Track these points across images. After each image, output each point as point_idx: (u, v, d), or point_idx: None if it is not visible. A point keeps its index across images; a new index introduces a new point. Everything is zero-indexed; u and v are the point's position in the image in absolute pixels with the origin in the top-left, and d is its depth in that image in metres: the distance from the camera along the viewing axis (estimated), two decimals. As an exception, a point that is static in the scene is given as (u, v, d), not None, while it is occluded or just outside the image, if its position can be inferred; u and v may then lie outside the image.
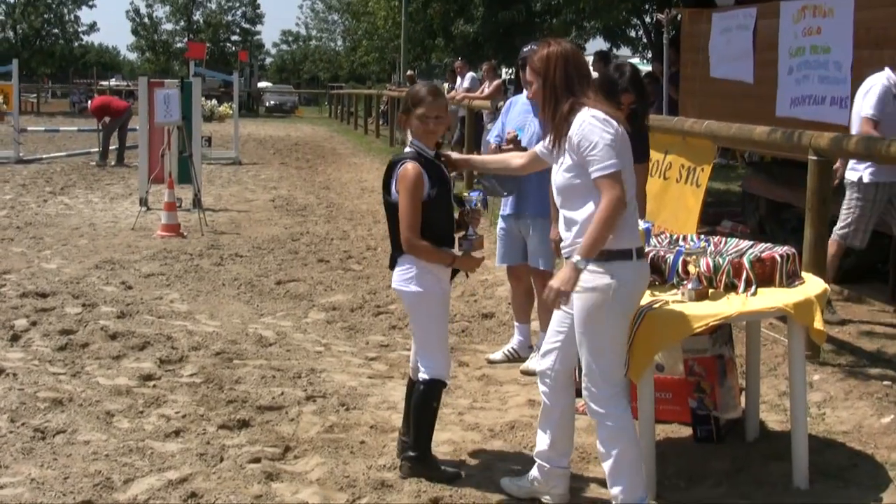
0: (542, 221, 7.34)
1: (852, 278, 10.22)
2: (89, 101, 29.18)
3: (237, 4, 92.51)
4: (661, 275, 5.63)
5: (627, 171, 4.94)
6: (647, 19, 27.71)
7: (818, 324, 5.39)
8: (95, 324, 8.67)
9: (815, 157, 7.67)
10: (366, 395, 7.11)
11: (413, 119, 5.62)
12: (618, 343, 5.01)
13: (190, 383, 7.28)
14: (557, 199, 5.10)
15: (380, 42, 51.27)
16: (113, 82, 74.26)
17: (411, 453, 5.71)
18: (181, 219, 14.09)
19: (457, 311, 9.33)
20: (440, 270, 5.62)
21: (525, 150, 7.17)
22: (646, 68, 22.22)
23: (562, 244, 5.12)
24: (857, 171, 8.72)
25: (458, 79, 23.78)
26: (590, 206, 4.86)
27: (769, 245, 5.90)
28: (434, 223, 5.58)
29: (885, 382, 7.21)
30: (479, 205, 5.74)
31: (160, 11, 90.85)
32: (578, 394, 5.27)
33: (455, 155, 5.91)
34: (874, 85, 8.78)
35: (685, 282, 5.44)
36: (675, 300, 5.30)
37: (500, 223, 7.90)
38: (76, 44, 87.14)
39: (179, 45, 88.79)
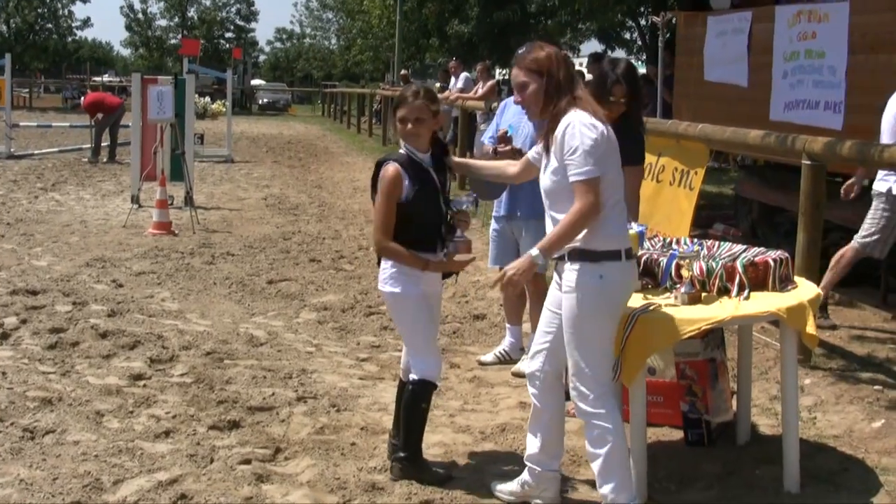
0: (534, 223, 7.31)
1: (843, 282, 10.20)
2: (82, 98, 29.14)
3: (231, 1, 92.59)
4: (655, 278, 5.62)
5: (613, 174, 4.97)
6: (643, 22, 27.71)
7: (811, 328, 5.38)
8: (86, 322, 8.64)
9: (808, 162, 7.66)
10: (357, 396, 7.09)
11: (396, 120, 5.63)
12: (606, 343, 5.02)
13: (180, 383, 7.25)
14: (545, 201, 5.12)
15: (374, 41, 51.19)
16: (106, 78, 74.05)
17: (402, 454, 5.70)
18: (173, 217, 14.08)
19: (448, 312, 9.32)
20: (421, 272, 5.59)
21: (518, 150, 7.18)
22: (640, 71, 22.20)
23: None
24: (887, 183, 8.65)
25: (453, 79, 23.76)
26: None
27: (762, 249, 5.89)
28: (413, 224, 5.56)
29: (876, 387, 7.22)
30: (468, 207, 5.69)
31: (154, 7, 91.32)
32: (568, 396, 5.25)
33: (455, 159, 5.89)
34: None
35: (678, 285, 5.43)
36: (667, 304, 5.29)
37: (493, 224, 7.88)
38: (69, 39, 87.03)
39: (173, 41, 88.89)
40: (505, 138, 7.31)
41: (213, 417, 6.55)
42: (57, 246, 12.47)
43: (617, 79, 6.79)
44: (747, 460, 5.96)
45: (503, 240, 7.77)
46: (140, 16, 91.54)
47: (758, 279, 5.52)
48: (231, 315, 9.26)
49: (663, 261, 5.62)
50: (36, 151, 25.41)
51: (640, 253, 5.66)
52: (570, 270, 4.96)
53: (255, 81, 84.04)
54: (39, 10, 79.77)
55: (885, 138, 8.53)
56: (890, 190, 8.65)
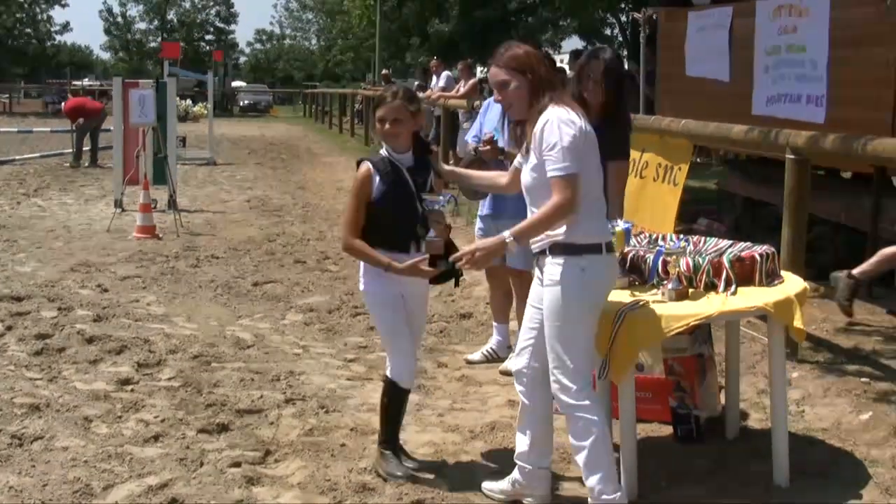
0: (520, 222, 7.31)
1: (828, 276, 10.24)
2: (63, 103, 29.05)
3: (211, 3, 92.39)
4: (641, 275, 5.63)
5: (592, 169, 5.02)
6: (623, 18, 27.76)
7: (798, 322, 5.40)
8: (72, 328, 8.62)
9: (792, 156, 7.68)
10: (345, 397, 7.08)
11: (375, 120, 5.65)
12: (587, 336, 5.04)
13: (168, 387, 7.24)
14: (527, 197, 5.15)
15: (355, 41, 51.27)
16: (86, 82, 73.85)
17: (375, 447, 5.80)
18: (157, 220, 14.03)
19: (435, 311, 9.31)
20: (393, 272, 5.58)
21: (502, 149, 7.19)
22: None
23: (532, 240, 5.14)
24: None
25: (434, 77, 23.75)
26: None
27: (749, 244, 5.90)
28: (383, 224, 5.56)
29: (863, 379, 7.25)
30: (441, 207, 5.58)
31: (133, 10, 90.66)
32: None
33: (446, 167, 5.87)
34: None
35: (665, 282, 5.44)
36: (655, 300, 5.30)
37: (478, 223, 7.88)
38: (49, 43, 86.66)
39: (153, 44, 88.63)
40: (491, 142, 7.32)
41: (201, 421, 6.53)
42: (41, 251, 12.42)
43: (594, 55, 6.85)
44: (737, 455, 5.98)
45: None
46: (119, 19, 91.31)
47: (744, 274, 5.53)
48: (217, 318, 9.24)
49: (650, 257, 5.63)
50: (17, 157, 25.29)
51: (626, 250, 5.67)
52: (552, 264, 5.00)
53: (236, 83, 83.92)
54: (18, 16, 79.40)
55: None
56: None
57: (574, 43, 65.53)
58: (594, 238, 4.98)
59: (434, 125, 22.27)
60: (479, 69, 34.51)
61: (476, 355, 8.09)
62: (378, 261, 5.55)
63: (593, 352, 5.11)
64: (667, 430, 6.34)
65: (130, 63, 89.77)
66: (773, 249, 5.79)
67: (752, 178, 12.59)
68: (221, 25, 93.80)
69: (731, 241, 6.01)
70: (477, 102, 17.60)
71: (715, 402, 6.36)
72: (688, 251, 5.82)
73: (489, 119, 7.75)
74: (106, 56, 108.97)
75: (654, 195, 9.37)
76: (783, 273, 5.86)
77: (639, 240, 6.11)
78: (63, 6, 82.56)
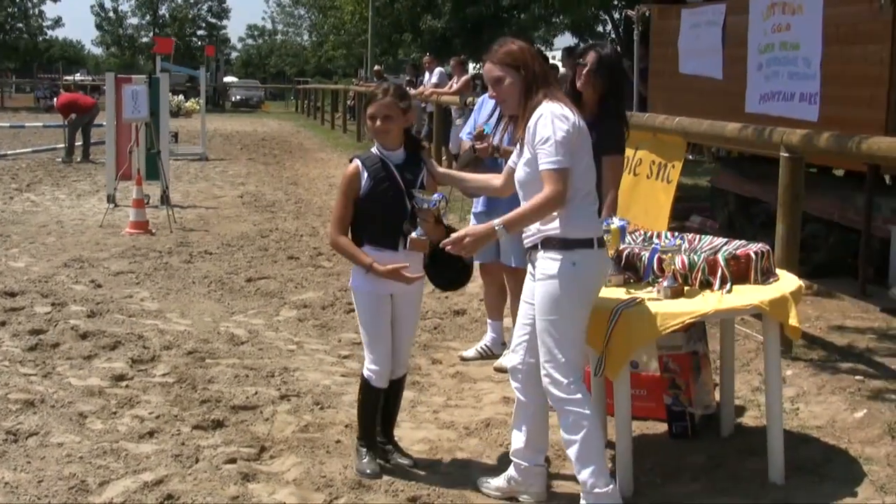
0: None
1: (822, 273, 10.28)
2: (55, 99, 28.99)
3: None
4: (637, 272, 5.64)
5: (585, 164, 5.06)
6: (616, 15, 27.77)
7: (793, 320, 5.40)
8: (66, 323, 8.61)
9: (786, 154, 7.69)
10: (340, 393, 7.08)
11: (367, 118, 5.65)
12: (578, 330, 5.07)
13: (163, 383, 7.23)
14: (519, 192, 5.18)
15: (347, 37, 51.14)
16: (78, 77, 73.66)
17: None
18: (149, 216, 14.03)
19: (428, 307, 9.32)
20: (374, 273, 5.57)
21: (497, 147, 7.20)
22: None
23: (524, 234, 5.19)
24: None
25: (427, 74, 23.75)
26: None
27: (743, 242, 5.91)
28: (370, 220, 5.58)
29: (857, 377, 7.26)
30: (430, 205, 5.50)
31: (125, 6, 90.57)
32: None
33: (440, 170, 5.87)
34: None
35: (660, 279, 5.45)
36: (650, 298, 5.31)
37: (472, 220, 7.87)
38: (40, 38, 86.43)
39: (145, 39, 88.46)
40: (482, 136, 7.32)
41: (196, 417, 6.53)
42: (34, 247, 12.41)
43: (593, 47, 6.88)
44: (732, 452, 5.99)
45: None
46: (111, 14, 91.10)
47: (740, 272, 5.54)
48: (211, 314, 9.23)
49: (645, 255, 5.64)
50: (9, 152, 25.21)
51: (621, 247, 5.68)
52: (543, 259, 5.03)
53: (228, 78, 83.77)
54: (10, 10, 79.19)
55: None
56: None
57: (566, 40, 65.58)
58: (586, 233, 5.02)
59: (427, 121, 22.27)
60: (471, 66, 34.57)
61: (470, 352, 8.10)
62: (361, 260, 5.56)
63: (584, 346, 5.13)
64: (661, 427, 6.35)
65: (122, 58, 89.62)
66: (767, 247, 5.80)
67: (745, 176, 12.61)
68: (213, 21, 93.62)
69: (725, 239, 6.02)
70: (470, 99, 17.62)
71: (710, 400, 6.37)
72: (683, 249, 5.83)
73: (483, 116, 7.75)
74: (98, 51, 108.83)
75: (647, 192, 9.38)
76: (778, 271, 5.87)
77: (634, 237, 6.12)
78: (55, 1, 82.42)
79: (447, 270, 5.74)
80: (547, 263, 5.01)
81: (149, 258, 11.69)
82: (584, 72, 6.74)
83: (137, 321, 8.85)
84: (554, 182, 4.86)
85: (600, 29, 34.40)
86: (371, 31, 40.45)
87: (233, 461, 5.81)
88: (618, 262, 5.62)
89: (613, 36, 29.89)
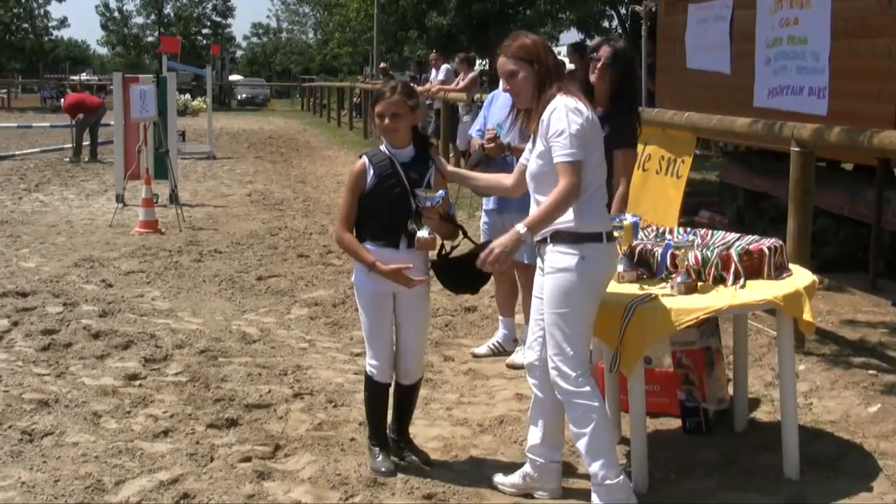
0: (526, 216, 7.32)
1: (832, 268, 10.28)
2: (62, 99, 29.01)
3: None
4: (650, 268, 5.64)
5: (596, 158, 5.08)
6: (623, 11, 27.75)
7: (807, 315, 5.41)
8: (77, 323, 8.63)
9: (797, 149, 7.69)
10: (353, 391, 7.08)
11: (374, 116, 5.65)
12: (587, 324, 5.09)
13: (176, 382, 7.25)
14: (530, 185, 5.19)
15: (352, 34, 51.11)
16: (83, 77, 73.71)
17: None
18: (158, 215, 14.05)
19: (439, 304, 9.32)
20: (375, 272, 5.58)
21: (507, 145, 7.21)
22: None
23: None
24: None
25: (433, 71, 23.74)
26: None
27: (756, 237, 5.91)
28: (373, 217, 5.58)
29: (870, 371, 7.25)
30: (432, 202, 5.47)
31: (130, 5, 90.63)
32: None
33: (450, 168, 5.86)
34: None
35: (674, 275, 5.45)
36: (664, 294, 5.31)
37: (483, 217, 7.90)
38: (46, 38, 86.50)
39: (150, 38, 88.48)
40: (494, 140, 7.34)
41: (210, 416, 6.55)
42: (44, 247, 12.43)
43: (603, 42, 6.89)
44: (746, 447, 6.00)
45: (495, 232, 7.73)
46: (116, 14, 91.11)
47: (753, 267, 5.55)
48: (222, 312, 9.25)
49: (658, 251, 5.64)
50: (17, 152, 25.25)
51: (634, 243, 5.68)
52: (553, 252, 5.05)
53: (233, 77, 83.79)
54: (15, 11, 79.26)
55: None
56: None
57: (572, 36, 65.44)
58: (595, 227, 5.04)
59: (433, 118, 22.25)
60: (477, 62, 34.59)
61: (482, 349, 8.11)
62: (364, 258, 5.56)
63: (591, 339, 5.15)
64: (675, 423, 6.35)
65: (128, 58, 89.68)
66: (780, 242, 5.80)
67: (754, 171, 12.60)
68: (218, 19, 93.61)
69: (738, 235, 6.02)
70: (477, 96, 17.61)
71: (723, 395, 6.37)
72: (696, 245, 5.83)
73: (493, 113, 7.76)
74: (103, 51, 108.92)
75: (656, 188, 9.37)
76: (791, 266, 5.87)
77: (646, 233, 6.12)
78: (60, 1, 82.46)
79: (455, 273, 5.72)
80: (556, 257, 5.03)
81: (159, 257, 11.71)
82: (599, 66, 6.73)
83: (149, 320, 8.87)
84: (569, 175, 4.88)
85: (606, 25, 34.37)
86: (377, 29, 40.43)
87: (248, 460, 5.82)
88: (630, 258, 5.63)
89: (620, 31, 29.87)
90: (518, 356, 7.64)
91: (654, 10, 15.29)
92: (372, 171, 5.55)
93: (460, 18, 33.53)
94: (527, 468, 5.41)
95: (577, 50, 17.41)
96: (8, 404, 6.67)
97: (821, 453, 5.86)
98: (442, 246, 5.70)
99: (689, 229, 6.25)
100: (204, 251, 12.12)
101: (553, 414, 5.32)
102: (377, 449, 5.79)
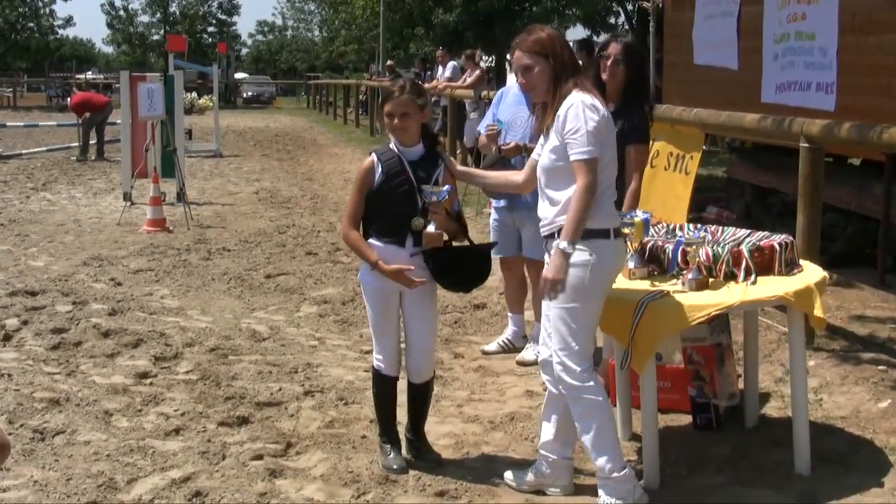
0: (537, 212, 7.33)
1: (840, 263, 10.27)
2: (69, 98, 29.04)
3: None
4: (661, 265, 5.65)
5: (609, 156, 5.09)
6: (630, 7, 27.72)
7: (818, 311, 5.41)
8: (87, 322, 8.65)
9: (806, 145, 7.68)
10: (363, 388, 7.08)
11: (384, 115, 5.66)
12: (593, 320, 5.13)
13: (186, 380, 7.27)
14: (541, 178, 5.19)
15: (358, 32, 51.14)
16: (89, 75, 73.80)
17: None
18: (166, 213, 14.06)
19: (448, 302, 9.32)
20: (378, 271, 5.58)
21: (522, 146, 7.20)
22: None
23: (541, 223, 5.22)
24: None
25: (440, 68, 23.75)
26: (572, 187, 4.99)
27: (767, 233, 5.92)
28: (379, 214, 5.60)
29: (880, 367, 7.25)
30: (438, 197, 5.48)
31: (135, 3, 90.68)
32: None
33: (459, 167, 5.86)
34: None
35: (685, 272, 5.45)
36: (675, 290, 5.32)
37: (493, 214, 7.89)
38: (52, 37, 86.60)
39: (155, 37, 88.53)
40: (493, 134, 7.36)
41: (221, 414, 6.56)
42: (52, 245, 12.45)
43: (612, 39, 6.89)
44: (756, 443, 6.00)
45: (505, 229, 7.77)
46: (121, 12, 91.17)
47: (764, 263, 5.55)
48: (232, 310, 9.27)
49: (669, 247, 5.65)
50: (24, 151, 25.28)
51: (645, 240, 5.69)
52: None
53: (239, 75, 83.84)
54: (21, 10, 79.39)
55: None
56: None
57: (578, 32, 65.45)
58: (603, 223, 5.04)
59: (440, 116, 22.26)
60: (483, 59, 34.60)
61: (492, 346, 8.11)
62: (367, 256, 5.58)
63: (602, 336, 5.17)
64: (686, 419, 6.36)
65: (133, 56, 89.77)
66: (791, 238, 5.80)
67: (762, 166, 12.59)
68: (224, 17, 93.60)
69: (748, 231, 6.02)
70: (484, 93, 17.62)
71: (733, 391, 6.37)
72: (706, 241, 5.83)
73: (502, 110, 7.76)
74: (109, 49, 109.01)
75: (665, 184, 9.37)
76: (802, 262, 5.87)
77: (657, 230, 6.12)
78: (65, 0, 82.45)
79: (451, 270, 5.72)
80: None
81: (167, 256, 11.73)
82: (609, 63, 6.73)
83: (159, 319, 8.88)
84: (586, 172, 4.89)
85: (613, 21, 34.36)
86: (382, 26, 40.45)
87: (259, 457, 5.84)
88: (641, 254, 5.63)
89: (627, 28, 29.85)
90: (528, 353, 7.65)
91: (661, 6, 15.27)
92: (380, 169, 5.56)
93: (466, 15, 33.52)
94: (539, 464, 5.42)
95: (583, 47, 17.40)
96: (19, 403, 6.69)
97: (831, 449, 5.86)
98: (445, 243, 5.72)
99: (699, 226, 6.26)
100: (212, 249, 12.13)
101: (567, 410, 5.31)
102: (388, 446, 5.80)
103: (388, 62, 36.64)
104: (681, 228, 6.16)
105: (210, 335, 8.36)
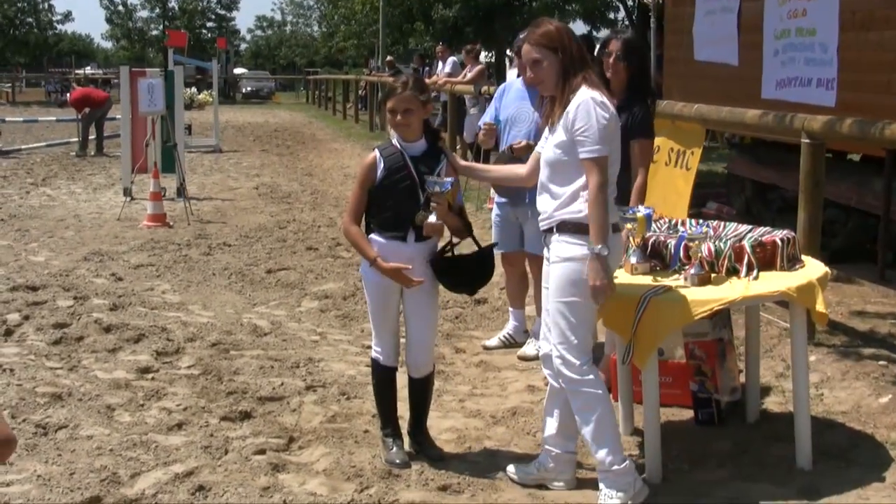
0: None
1: (840, 259, 10.27)
2: (68, 95, 29.03)
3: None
4: (663, 260, 5.66)
5: (615, 152, 5.09)
6: (630, 2, 27.72)
7: (820, 306, 5.43)
8: (89, 316, 8.65)
9: (808, 140, 7.69)
10: (365, 383, 7.07)
11: (386, 111, 5.67)
12: (591, 314, 5.15)
13: (188, 375, 7.28)
14: (545, 171, 5.18)
15: (357, 27, 51.11)
16: (88, 70, 73.75)
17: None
18: (166, 208, 14.06)
19: (449, 297, 9.29)
20: (376, 268, 5.60)
21: (532, 145, 7.20)
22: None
23: (540, 217, 5.23)
24: None
25: (440, 63, 23.75)
26: (576, 184, 5.01)
27: (768, 229, 5.93)
28: (380, 208, 5.61)
29: (881, 362, 7.26)
30: (442, 188, 5.47)
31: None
32: None
33: (461, 162, 5.87)
34: None
35: (687, 267, 5.46)
36: (677, 285, 5.33)
37: (496, 210, 7.90)
38: (50, 32, 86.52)
39: (154, 32, 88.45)
40: (490, 131, 7.39)
41: (223, 409, 6.57)
42: (53, 241, 12.46)
43: (613, 37, 6.90)
44: (758, 438, 6.01)
45: (507, 224, 7.78)
46: (120, 7, 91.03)
47: (766, 259, 5.56)
48: (233, 305, 9.28)
49: (671, 243, 5.65)
50: (23, 146, 25.27)
51: (647, 235, 5.70)
52: (559, 242, 5.07)
53: (238, 70, 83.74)
54: (19, 5, 79.34)
55: None
56: None
57: (578, 28, 65.43)
58: None
59: (440, 111, 22.26)
60: (483, 54, 34.57)
61: (493, 341, 8.12)
62: (366, 253, 5.61)
63: (598, 330, 5.18)
64: (687, 414, 6.37)
65: (132, 51, 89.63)
66: (793, 234, 5.82)
67: (762, 162, 12.60)
68: (223, 12, 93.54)
69: (750, 227, 6.03)
70: (484, 88, 17.62)
71: (735, 386, 6.39)
72: (708, 236, 5.84)
73: (505, 104, 7.77)
74: (107, 45, 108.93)
75: (666, 180, 9.40)
76: (803, 257, 5.88)
77: (658, 225, 6.13)
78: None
79: (455, 273, 5.74)
80: (562, 247, 5.06)
81: (168, 251, 11.74)
82: (611, 60, 6.74)
83: (160, 314, 8.89)
84: (597, 171, 4.91)
85: (613, 16, 34.34)
86: (382, 21, 40.42)
87: (262, 452, 5.85)
88: (644, 250, 5.64)
89: (627, 23, 29.85)
90: (529, 348, 7.67)
91: (661, 1, 15.26)
92: (382, 164, 5.58)
93: (466, 10, 33.50)
94: (542, 459, 5.44)
95: (583, 42, 17.34)
96: (21, 398, 6.70)
97: (832, 444, 5.88)
98: (447, 243, 5.73)
99: (701, 221, 6.26)
100: (213, 244, 12.14)
101: (569, 404, 5.33)
102: (391, 440, 5.81)
103: (388, 57, 36.60)
104: (683, 224, 6.17)
105: (211, 330, 8.37)
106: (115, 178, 18.59)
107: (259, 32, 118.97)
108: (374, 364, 5.87)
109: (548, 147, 5.15)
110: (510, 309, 8.26)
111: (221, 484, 5.43)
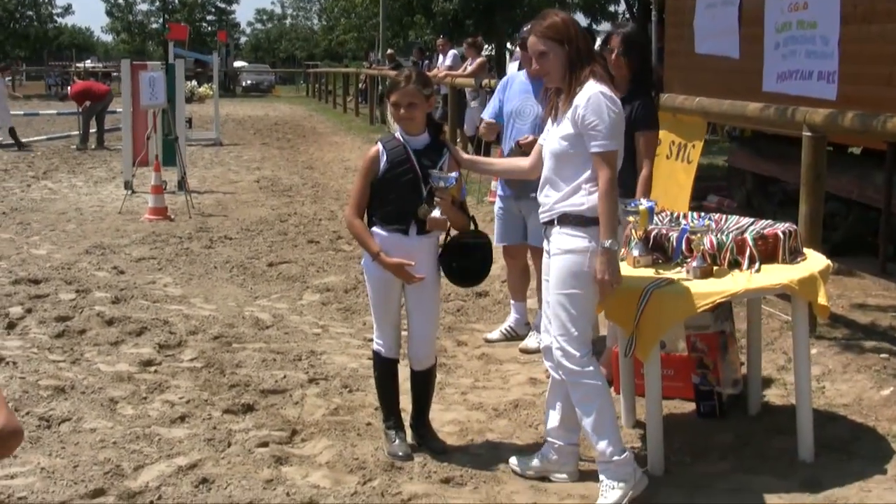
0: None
1: (842, 252, 10.29)
2: (69, 87, 29.01)
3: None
4: (665, 253, 5.66)
5: (621, 146, 5.11)
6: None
7: (822, 299, 5.44)
8: (91, 310, 8.66)
9: (809, 133, 7.69)
10: (367, 376, 7.08)
11: (390, 105, 5.68)
12: (591, 306, 5.16)
13: (191, 368, 7.29)
14: (548, 162, 5.18)
15: (358, 20, 51.11)
16: (88, 64, 73.67)
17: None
18: (167, 202, 14.06)
19: (451, 290, 9.29)
20: (378, 263, 5.62)
21: (530, 139, 7.21)
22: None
23: (541, 209, 5.24)
24: None
25: (441, 56, 23.73)
26: (580, 176, 5.01)
27: (770, 222, 5.94)
28: (383, 202, 5.63)
29: (882, 355, 7.28)
30: (446, 183, 5.48)
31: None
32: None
33: (464, 156, 5.88)
34: None
35: (689, 260, 5.47)
36: (680, 278, 5.33)
37: (499, 203, 7.91)
38: (51, 26, 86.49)
39: (154, 25, 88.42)
40: (491, 128, 7.40)
41: (226, 401, 6.58)
42: (54, 234, 12.47)
43: (616, 29, 6.91)
44: (760, 431, 6.03)
45: (510, 217, 7.79)
46: (121, 1, 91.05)
47: (768, 252, 5.57)
48: (235, 298, 9.29)
49: (673, 236, 5.66)
50: (24, 140, 25.23)
51: (649, 228, 5.71)
52: (559, 234, 5.08)
53: (238, 63, 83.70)
54: (20, -2, 79.50)
55: None
56: None
57: (579, 20, 65.41)
58: None
59: (441, 104, 22.22)
60: (484, 47, 34.54)
61: (495, 334, 8.14)
62: (369, 247, 5.62)
63: (600, 322, 5.19)
64: (689, 406, 6.39)
65: (132, 44, 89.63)
66: (795, 227, 5.82)
67: (762, 155, 12.61)
68: (223, 6, 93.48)
69: (752, 219, 6.04)
70: (485, 81, 17.61)
71: (737, 379, 6.40)
72: (711, 229, 5.84)
73: (508, 97, 7.77)
74: (108, 38, 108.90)
75: (667, 173, 9.39)
76: (805, 250, 5.89)
77: (660, 218, 6.13)
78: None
79: (461, 262, 5.76)
80: (563, 239, 5.07)
81: (169, 244, 11.75)
82: (613, 56, 6.74)
83: (162, 307, 8.90)
84: (607, 166, 4.92)
85: (613, 9, 34.32)
86: (382, 14, 40.40)
87: (265, 445, 5.86)
88: (646, 242, 5.65)
89: (628, 16, 29.83)
90: (531, 340, 7.68)
91: (662, -6, 15.28)
92: (385, 157, 5.59)
93: (466, 3, 33.51)
94: (545, 450, 5.45)
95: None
96: (25, 391, 6.71)
97: (834, 436, 5.89)
98: (447, 236, 5.75)
99: (703, 214, 6.27)
100: (214, 237, 12.15)
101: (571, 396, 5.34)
102: (393, 433, 5.83)
103: (388, 51, 36.57)
104: (685, 217, 6.17)
105: (213, 323, 8.39)
106: (115, 171, 18.60)
107: (259, 25, 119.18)
108: (376, 356, 5.89)
109: (552, 139, 5.14)
110: (512, 302, 8.27)
111: (224, 476, 5.44)
